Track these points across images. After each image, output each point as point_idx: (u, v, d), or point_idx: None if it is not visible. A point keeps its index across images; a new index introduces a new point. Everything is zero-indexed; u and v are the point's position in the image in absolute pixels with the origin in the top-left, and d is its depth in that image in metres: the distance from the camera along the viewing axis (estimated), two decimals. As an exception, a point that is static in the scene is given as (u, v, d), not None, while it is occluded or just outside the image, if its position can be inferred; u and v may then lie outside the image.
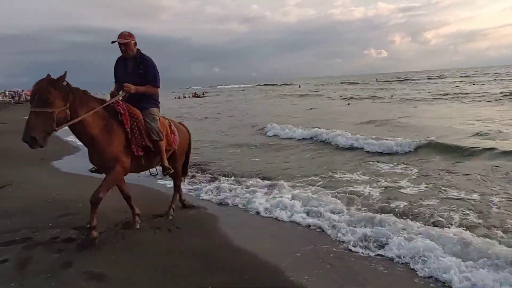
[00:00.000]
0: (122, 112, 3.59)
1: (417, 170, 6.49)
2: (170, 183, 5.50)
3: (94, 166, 3.79)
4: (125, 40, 3.74)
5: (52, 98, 2.99)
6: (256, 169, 7.27)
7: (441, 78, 51.05)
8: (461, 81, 40.23)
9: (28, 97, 3.24)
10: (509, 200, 4.65)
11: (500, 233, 3.67)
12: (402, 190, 5.38)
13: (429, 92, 26.73)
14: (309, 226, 4.12)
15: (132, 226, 3.93)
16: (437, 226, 3.88)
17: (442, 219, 4.12)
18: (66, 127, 3.25)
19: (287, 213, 4.45)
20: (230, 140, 11.65)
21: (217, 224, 4.23)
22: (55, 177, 6.37)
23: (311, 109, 21.76)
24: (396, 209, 4.54)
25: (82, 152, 7.67)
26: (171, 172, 4.08)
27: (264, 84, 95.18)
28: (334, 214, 4.32)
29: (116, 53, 3.95)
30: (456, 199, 4.84)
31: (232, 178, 6.49)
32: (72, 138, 9.61)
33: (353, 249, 3.48)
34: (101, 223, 3.68)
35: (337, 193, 5.31)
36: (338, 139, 9.58)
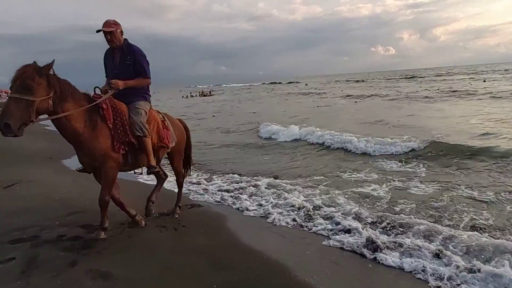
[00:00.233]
0: (105, 107, 3.38)
1: (425, 170, 6.41)
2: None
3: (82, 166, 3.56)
4: (110, 29, 3.49)
5: (36, 85, 2.80)
6: (265, 169, 7.25)
7: (450, 75, 50.31)
8: (471, 78, 39.61)
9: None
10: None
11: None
12: (411, 190, 5.33)
13: (437, 89, 26.37)
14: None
15: (138, 224, 3.92)
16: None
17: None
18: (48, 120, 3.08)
19: (296, 217, 4.37)
20: (231, 139, 11.60)
21: (224, 223, 4.21)
22: (63, 176, 6.40)
23: (318, 106, 21.66)
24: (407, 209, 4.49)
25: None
26: (157, 171, 3.84)
27: (271, 83, 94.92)
28: (346, 216, 4.29)
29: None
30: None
31: (241, 177, 6.47)
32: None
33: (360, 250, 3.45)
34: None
35: (347, 193, 5.27)
36: (346, 144, 8.83)
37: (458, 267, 3.01)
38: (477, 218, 4.16)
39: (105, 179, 3.45)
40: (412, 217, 4.15)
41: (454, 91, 23.39)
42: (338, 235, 3.81)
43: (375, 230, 3.86)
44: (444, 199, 4.83)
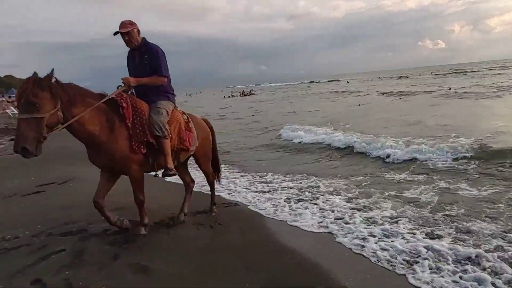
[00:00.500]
0: (125, 105, 3.28)
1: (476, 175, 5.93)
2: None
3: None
4: (126, 29, 3.42)
5: (39, 101, 2.69)
6: (301, 170, 7.17)
7: (506, 69, 46.17)
8: (531, 71, 36.04)
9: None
10: None
11: None
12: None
13: (492, 84, 24.33)
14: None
15: (176, 221, 4.05)
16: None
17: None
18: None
19: (333, 219, 4.24)
20: (260, 141, 11.40)
21: (259, 223, 4.22)
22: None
23: (359, 105, 21.01)
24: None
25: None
26: (173, 174, 3.62)
27: (310, 81, 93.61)
28: (389, 220, 4.10)
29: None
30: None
31: (276, 176, 6.46)
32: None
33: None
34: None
35: (389, 196, 5.02)
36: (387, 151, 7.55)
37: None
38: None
39: (134, 183, 3.50)
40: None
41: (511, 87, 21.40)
42: (379, 240, 3.62)
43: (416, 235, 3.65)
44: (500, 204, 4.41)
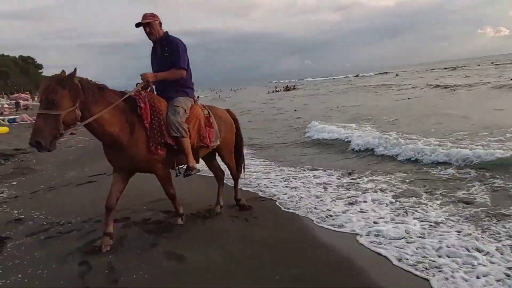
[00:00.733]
0: (142, 106, 3.24)
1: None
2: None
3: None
4: (148, 20, 3.42)
5: (59, 99, 2.75)
6: (338, 166, 7.01)
7: None
8: None
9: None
10: None
11: None
12: None
13: None
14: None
15: (212, 213, 4.18)
16: None
17: None
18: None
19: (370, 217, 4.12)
20: (300, 136, 11.04)
21: (293, 218, 4.20)
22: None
23: (409, 98, 19.93)
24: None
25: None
26: (194, 173, 3.58)
27: (355, 75, 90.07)
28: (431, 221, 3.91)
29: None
30: None
31: (322, 172, 6.35)
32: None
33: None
34: (184, 209, 3.96)
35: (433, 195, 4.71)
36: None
37: None
38: None
39: (161, 180, 3.58)
40: None
41: None
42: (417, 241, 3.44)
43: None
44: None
